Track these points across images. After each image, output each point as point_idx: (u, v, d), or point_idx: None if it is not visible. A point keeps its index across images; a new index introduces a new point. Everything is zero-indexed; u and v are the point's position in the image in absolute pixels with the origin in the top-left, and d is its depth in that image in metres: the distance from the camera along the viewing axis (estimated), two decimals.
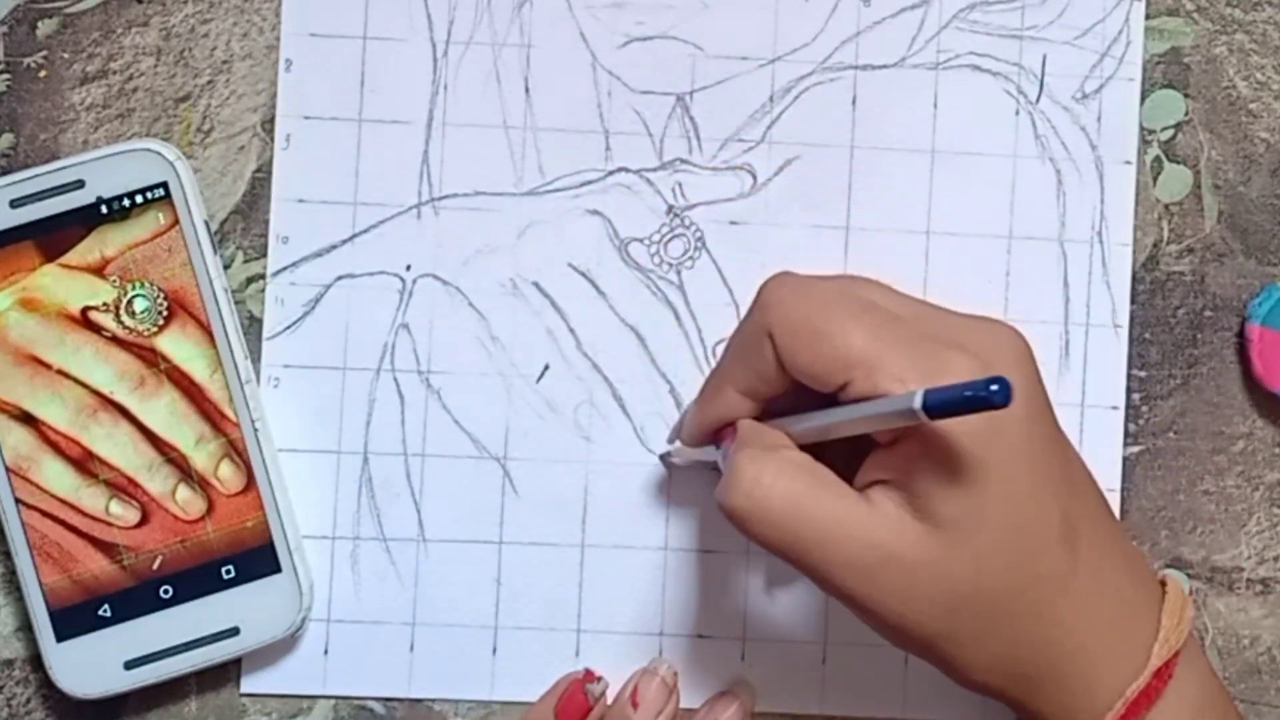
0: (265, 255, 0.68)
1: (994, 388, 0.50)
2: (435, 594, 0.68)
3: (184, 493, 0.66)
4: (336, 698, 0.68)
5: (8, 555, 0.66)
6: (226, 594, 0.66)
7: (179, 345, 0.66)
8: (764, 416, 0.60)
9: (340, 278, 0.68)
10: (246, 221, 0.69)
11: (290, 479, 0.67)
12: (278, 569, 0.66)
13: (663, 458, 0.68)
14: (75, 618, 0.65)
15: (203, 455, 0.66)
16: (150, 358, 0.66)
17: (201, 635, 0.66)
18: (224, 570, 0.66)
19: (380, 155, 0.68)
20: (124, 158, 0.66)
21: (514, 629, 0.68)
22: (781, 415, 0.60)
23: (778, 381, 0.58)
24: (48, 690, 0.68)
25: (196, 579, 0.66)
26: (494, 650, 0.68)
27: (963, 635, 0.57)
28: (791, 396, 0.59)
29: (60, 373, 0.66)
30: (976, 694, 0.59)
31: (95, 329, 0.66)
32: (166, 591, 0.66)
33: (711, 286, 0.69)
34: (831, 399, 0.57)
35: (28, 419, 0.66)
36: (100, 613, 0.66)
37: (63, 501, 0.66)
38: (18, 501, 0.65)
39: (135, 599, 0.66)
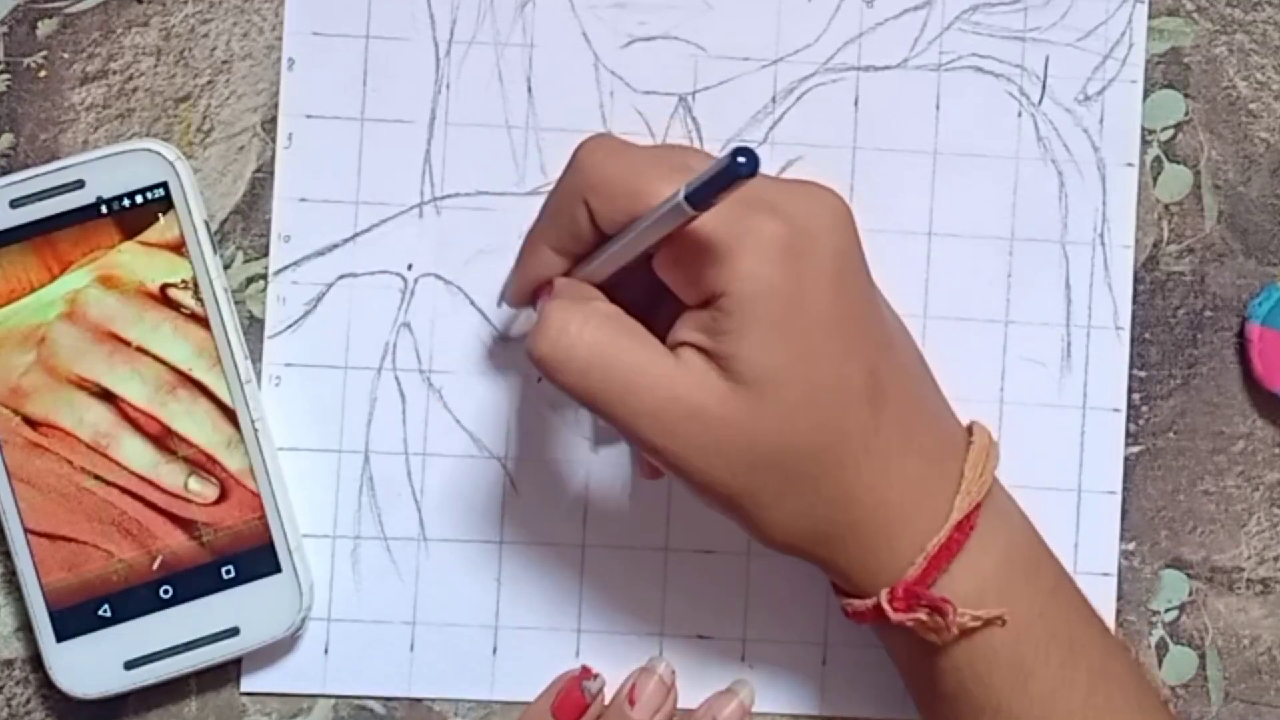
0: (265, 255, 0.68)
1: (740, 160, 0.51)
2: (436, 593, 0.68)
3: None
4: (336, 697, 0.68)
5: (8, 555, 0.66)
6: (226, 594, 0.66)
7: None
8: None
9: (342, 277, 0.68)
10: (246, 221, 0.69)
11: (291, 478, 0.67)
12: (277, 569, 0.66)
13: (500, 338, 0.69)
14: (75, 618, 0.65)
15: None
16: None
17: (201, 635, 0.66)
18: (224, 570, 0.66)
19: (382, 154, 0.68)
20: (124, 158, 0.66)
21: (514, 629, 0.68)
22: None
23: (591, 239, 0.59)
24: (48, 690, 0.68)
25: (196, 579, 0.66)
26: (494, 650, 0.68)
27: (764, 493, 0.58)
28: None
29: (139, 349, 0.66)
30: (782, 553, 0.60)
31: (174, 306, 0.66)
32: (166, 591, 0.66)
33: None
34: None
35: (107, 396, 0.66)
36: (100, 613, 0.66)
37: (142, 478, 0.66)
38: (17, 502, 0.65)
39: (135, 599, 0.66)
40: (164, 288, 0.66)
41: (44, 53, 0.69)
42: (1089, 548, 0.69)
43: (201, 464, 0.66)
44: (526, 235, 0.63)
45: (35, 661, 0.67)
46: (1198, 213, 0.70)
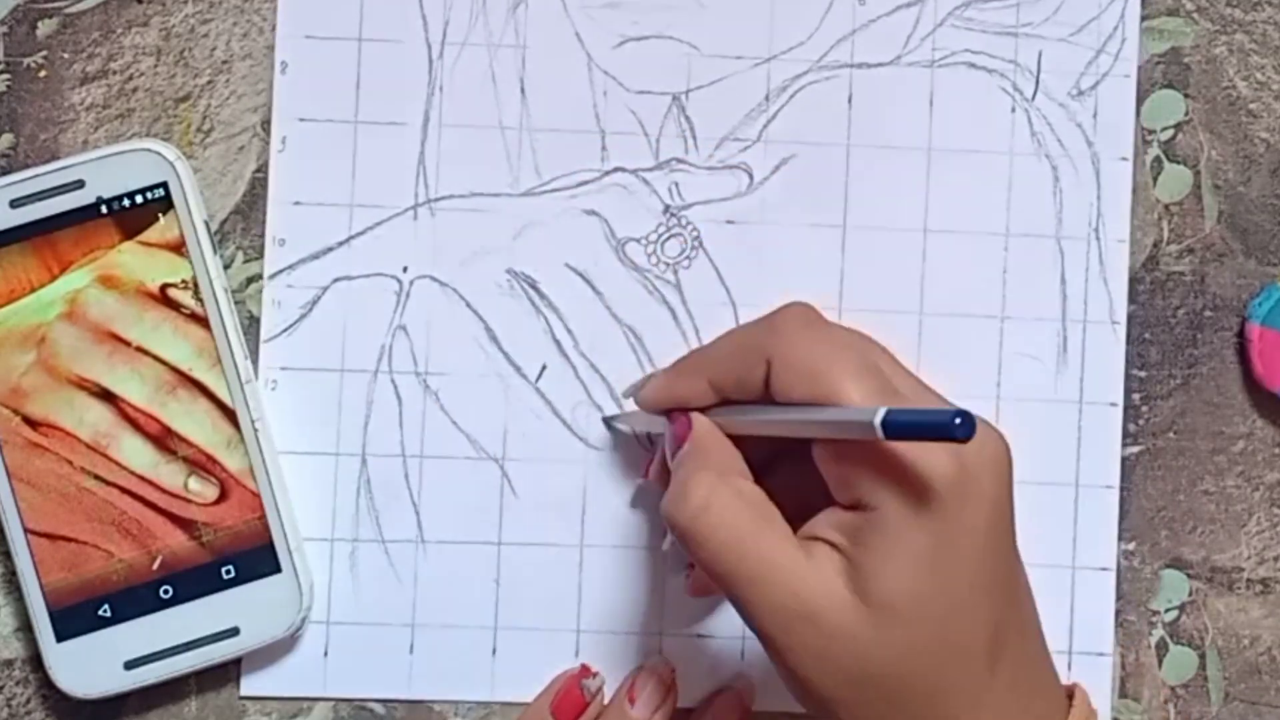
0: (264, 255, 0.69)
1: (958, 421, 0.50)
2: (434, 595, 0.68)
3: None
4: (336, 699, 0.68)
5: (8, 555, 0.66)
6: (226, 594, 0.66)
7: None
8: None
9: (337, 280, 0.68)
10: (246, 221, 0.69)
11: (289, 481, 0.67)
12: (278, 569, 0.66)
13: (607, 420, 0.68)
14: (75, 618, 0.65)
15: None
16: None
17: (201, 635, 0.66)
18: (224, 570, 0.66)
19: (376, 157, 0.68)
20: (124, 158, 0.66)
21: (513, 629, 0.68)
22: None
23: (756, 395, 0.59)
24: (48, 690, 0.68)
25: (196, 579, 0.66)
26: (494, 651, 0.68)
27: (862, 710, 0.57)
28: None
29: (139, 349, 0.66)
30: None
31: (174, 306, 0.66)
32: (166, 591, 0.66)
33: (709, 286, 0.69)
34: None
35: (107, 396, 0.66)
36: (100, 613, 0.66)
37: (141, 478, 0.66)
38: (17, 502, 0.66)
39: (135, 599, 0.66)
40: (164, 288, 0.66)
41: (44, 53, 0.69)
42: (1088, 542, 0.68)
43: (201, 464, 0.66)
44: (692, 353, 0.63)
45: (35, 661, 0.67)
46: (1198, 213, 0.70)
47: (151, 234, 0.66)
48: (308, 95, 0.68)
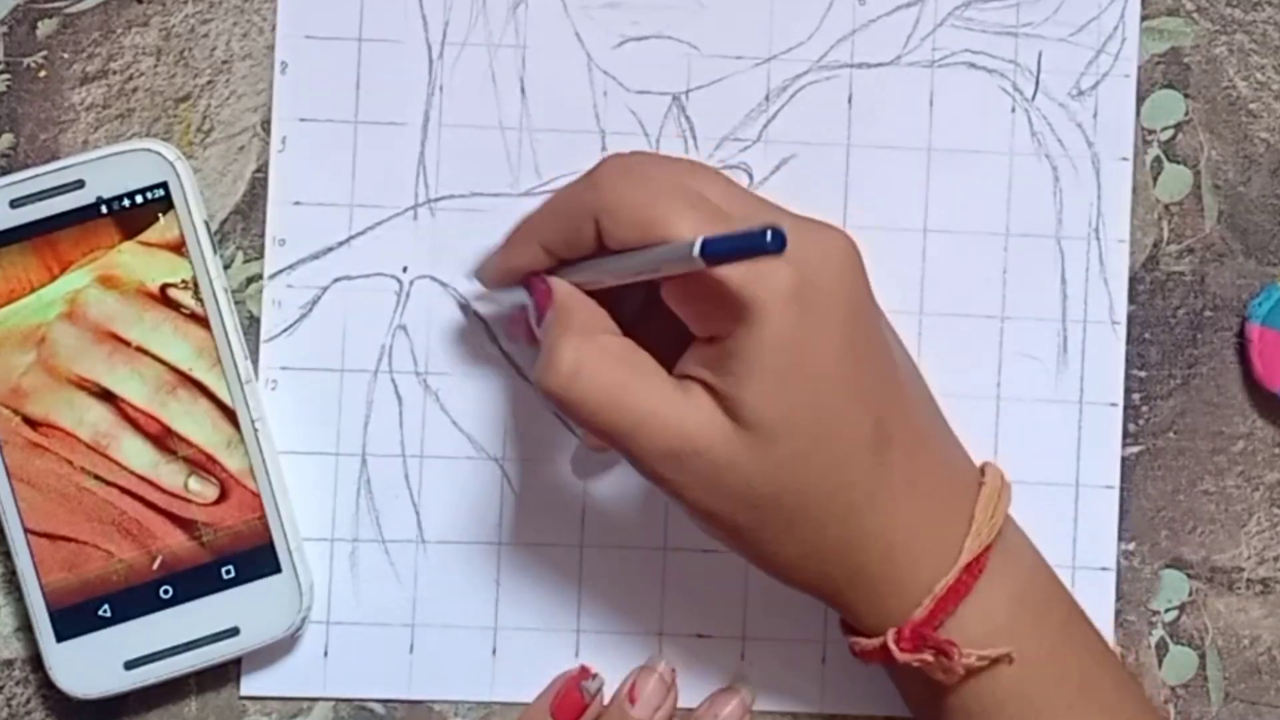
0: (264, 255, 0.69)
1: (769, 236, 0.51)
2: (435, 595, 0.68)
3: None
4: (336, 699, 0.68)
5: (8, 555, 0.66)
6: (226, 594, 0.66)
7: None
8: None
9: (337, 280, 0.68)
10: (246, 221, 0.69)
11: (289, 481, 0.67)
12: (277, 569, 0.66)
13: (462, 307, 0.68)
14: (75, 618, 0.65)
15: None
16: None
17: (201, 635, 0.66)
18: (224, 570, 0.66)
19: (376, 157, 0.68)
20: (124, 158, 0.66)
21: (514, 630, 0.68)
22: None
23: (589, 251, 0.59)
24: (48, 690, 0.68)
25: (196, 579, 0.66)
26: (494, 651, 0.68)
27: (767, 531, 0.58)
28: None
29: (139, 349, 0.66)
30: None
31: (174, 306, 0.66)
32: (166, 591, 0.66)
33: None
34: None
35: (107, 396, 0.66)
36: (100, 613, 0.66)
37: (142, 478, 0.66)
38: (17, 502, 0.66)
39: (135, 599, 0.66)
40: (164, 288, 0.66)
41: (44, 53, 0.69)
42: (1088, 542, 0.68)
43: (201, 464, 0.66)
44: (521, 222, 0.63)
45: (35, 661, 0.67)
46: (1198, 213, 0.70)
47: (151, 234, 0.66)
48: (308, 95, 0.68)
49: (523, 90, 0.69)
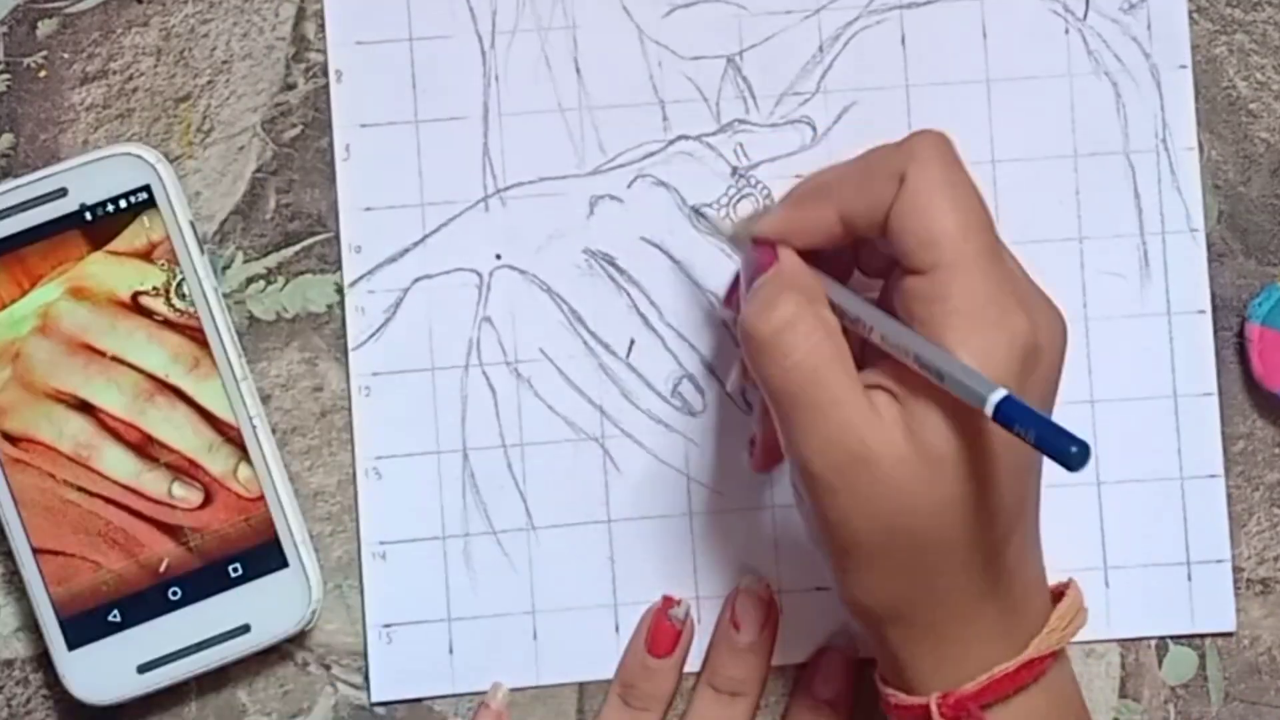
0: (265, 255, 0.69)
1: (1074, 449, 0.50)
2: (551, 580, 0.68)
3: (245, 471, 0.66)
4: (464, 695, 0.68)
5: (7, 555, 0.67)
6: (235, 592, 0.66)
7: None
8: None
9: (417, 280, 0.68)
10: (246, 221, 0.69)
11: (393, 484, 0.68)
12: (285, 564, 0.66)
13: (697, 211, 0.68)
14: (86, 625, 0.66)
15: None
16: (202, 339, 0.66)
17: (212, 635, 0.66)
18: (231, 568, 0.66)
19: (441, 154, 0.68)
20: (105, 163, 0.66)
21: (633, 604, 0.68)
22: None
23: (876, 228, 0.57)
24: (48, 690, 0.68)
25: (204, 578, 0.66)
26: (616, 628, 0.68)
27: (884, 560, 0.57)
28: (848, 261, 0.60)
29: (114, 359, 0.66)
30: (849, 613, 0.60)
31: (146, 313, 0.66)
32: (175, 593, 0.66)
33: None
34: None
35: (85, 407, 0.66)
36: (110, 618, 0.66)
37: (125, 487, 0.66)
38: (17, 505, 0.66)
39: (144, 602, 0.66)
40: (135, 295, 0.66)
41: (44, 53, 0.69)
42: (1192, 450, 0.69)
43: (184, 469, 0.66)
44: (813, 179, 0.61)
45: (35, 662, 0.68)
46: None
47: (119, 243, 0.66)
48: (365, 101, 0.68)
49: (578, 70, 0.69)
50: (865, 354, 0.58)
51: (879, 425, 0.56)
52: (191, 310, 0.66)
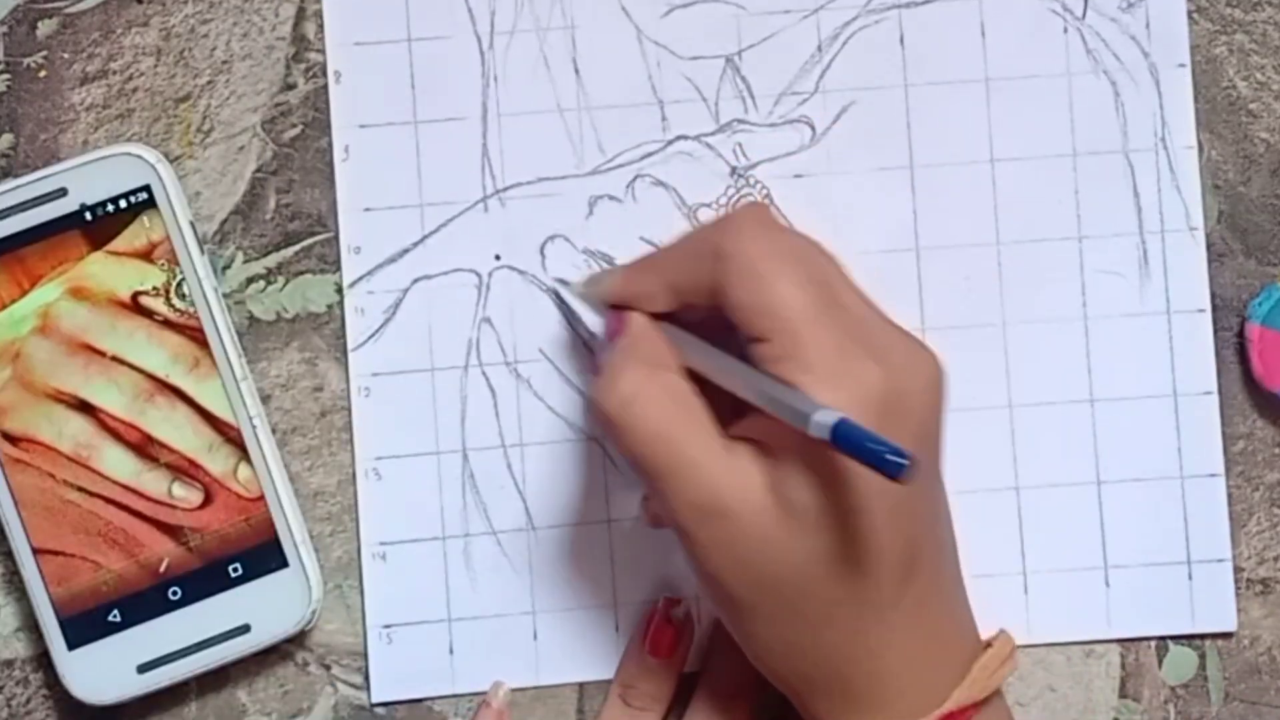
0: (265, 255, 0.69)
1: (901, 461, 0.51)
2: (552, 580, 0.68)
3: (245, 471, 0.66)
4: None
5: (7, 555, 0.67)
6: (235, 592, 0.66)
7: None
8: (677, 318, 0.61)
9: (416, 280, 0.68)
10: (246, 221, 0.69)
11: (393, 485, 0.68)
12: (285, 564, 0.66)
13: (557, 282, 0.68)
14: (85, 624, 0.66)
15: None
16: (201, 339, 0.66)
17: (212, 635, 0.66)
18: (231, 568, 0.66)
19: (440, 154, 0.68)
20: (105, 163, 0.66)
21: (634, 604, 0.68)
22: (690, 325, 0.61)
23: (705, 298, 0.59)
24: (48, 690, 0.68)
25: (204, 578, 0.66)
26: (616, 627, 0.68)
27: (764, 613, 0.58)
28: (705, 315, 0.60)
29: (114, 359, 0.66)
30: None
31: (146, 313, 0.66)
32: (175, 593, 0.66)
33: None
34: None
35: (85, 407, 0.66)
36: (110, 618, 0.66)
37: (125, 487, 0.66)
38: (18, 505, 0.66)
39: (144, 602, 0.66)
40: (135, 295, 0.66)
41: (44, 53, 0.69)
42: (1193, 450, 0.68)
43: (184, 469, 0.66)
44: (648, 255, 0.64)
45: (35, 662, 0.68)
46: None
47: (119, 242, 0.66)
48: (364, 101, 0.68)
49: (576, 70, 0.69)
50: (740, 405, 0.58)
51: (736, 477, 0.57)
52: (192, 310, 0.66)
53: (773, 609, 0.58)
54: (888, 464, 0.51)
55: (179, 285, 0.66)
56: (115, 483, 0.66)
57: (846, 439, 0.53)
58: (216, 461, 0.66)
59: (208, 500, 0.66)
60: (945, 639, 0.60)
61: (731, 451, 0.57)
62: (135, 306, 0.66)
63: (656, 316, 0.62)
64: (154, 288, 0.66)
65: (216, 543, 0.66)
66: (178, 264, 0.66)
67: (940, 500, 0.60)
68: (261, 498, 0.66)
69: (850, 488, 0.55)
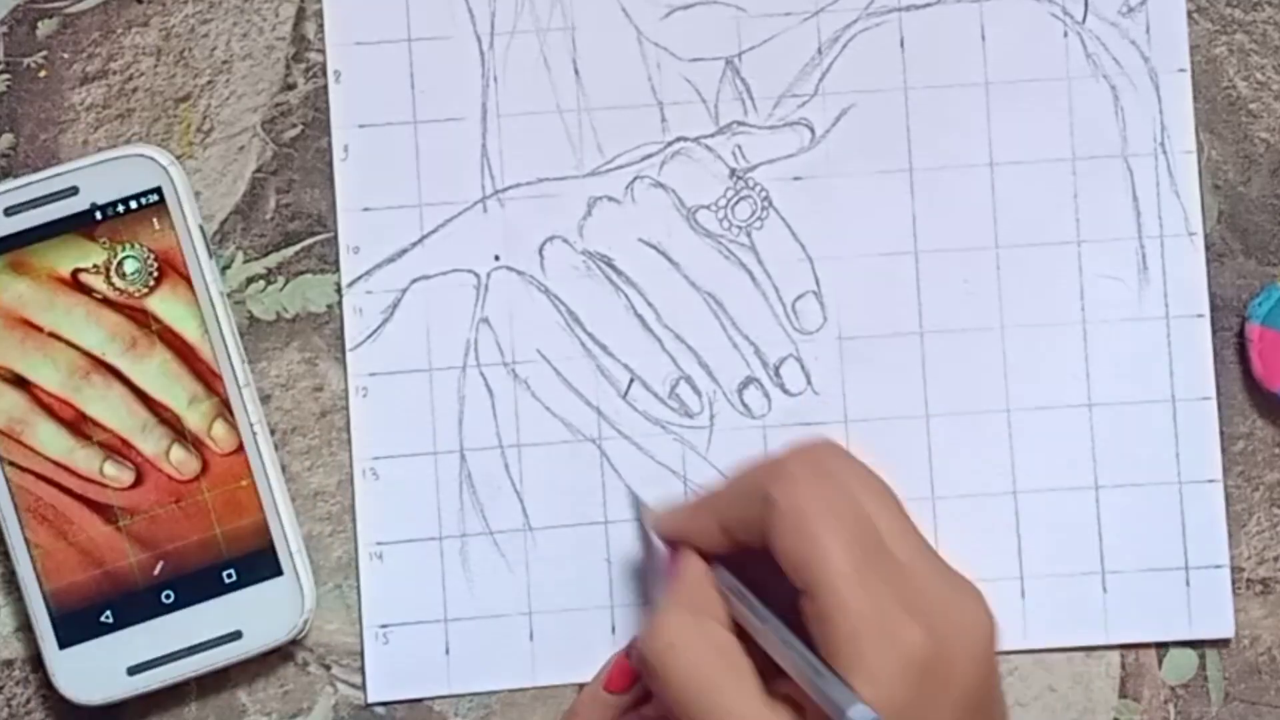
0: (265, 255, 0.69)
1: None
2: (548, 581, 0.68)
3: (178, 453, 0.66)
4: (460, 695, 0.68)
5: (7, 556, 0.67)
6: (228, 598, 0.66)
7: (170, 306, 0.66)
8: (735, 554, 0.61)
9: (415, 280, 0.68)
10: (246, 221, 0.69)
11: (390, 485, 0.68)
12: (279, 572, 0.66)
13: (638, 502, 0.68)
14: (78, 624, 0.66)
15: (196, 415, 0.66)
16: (141, 319, 0.66)
17: (204, 639, 0.66)
18: (225, 574, 0.66)
19: (439, 154, 0.69)
20: (118, 164, 0.66)
21: (630, 606, 0.68)
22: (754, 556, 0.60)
23: (757, 541, 0.58)
24: (47, 691, 0.68)
25: (198, 583, 0.66)
26: (613, 629, 0.68)
27: None
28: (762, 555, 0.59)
29: (52, 335, 0.66)
30: None
31: (86, 291, 0.66)
32: (168, 596, 0.66)
33: (783, 244, 0.69)
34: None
35: (20, 382, 0.66)
36: (102, 619, 0.66)
37: (56, 464, 0.66)
38: (15, 505, 0.66)
39: (137, 604, 0.66)
40: (75, 272, 0.66)
41: (44, 53, 0.69)
42: (1190, 457, 0.68)
43: (116, 449, 0.66)
44: (705, 493, 0.64)
45: (35, 661, 0.68)
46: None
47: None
48: (364, 101, 0.69)
49: (576, 71, 0.69)
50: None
51: None
52: (132, 290, 0.66)
53: None
54: None
55: (120, 264, 0.66)
56: (47, 459, 0.66)
57: None
58: (149, 442, 0.66)
59: (139, 480, 0.66)
60: None
61: (772, 709, 0.56)
62: (75, 284, 0.66)
63: (718, 555, 0.61)
64: (94, 265, 0.66)
65: (211, 548, 0.66)
66: (120, 242, 0.66)
67: None
68: (197, 479, 0.66)
69: None
